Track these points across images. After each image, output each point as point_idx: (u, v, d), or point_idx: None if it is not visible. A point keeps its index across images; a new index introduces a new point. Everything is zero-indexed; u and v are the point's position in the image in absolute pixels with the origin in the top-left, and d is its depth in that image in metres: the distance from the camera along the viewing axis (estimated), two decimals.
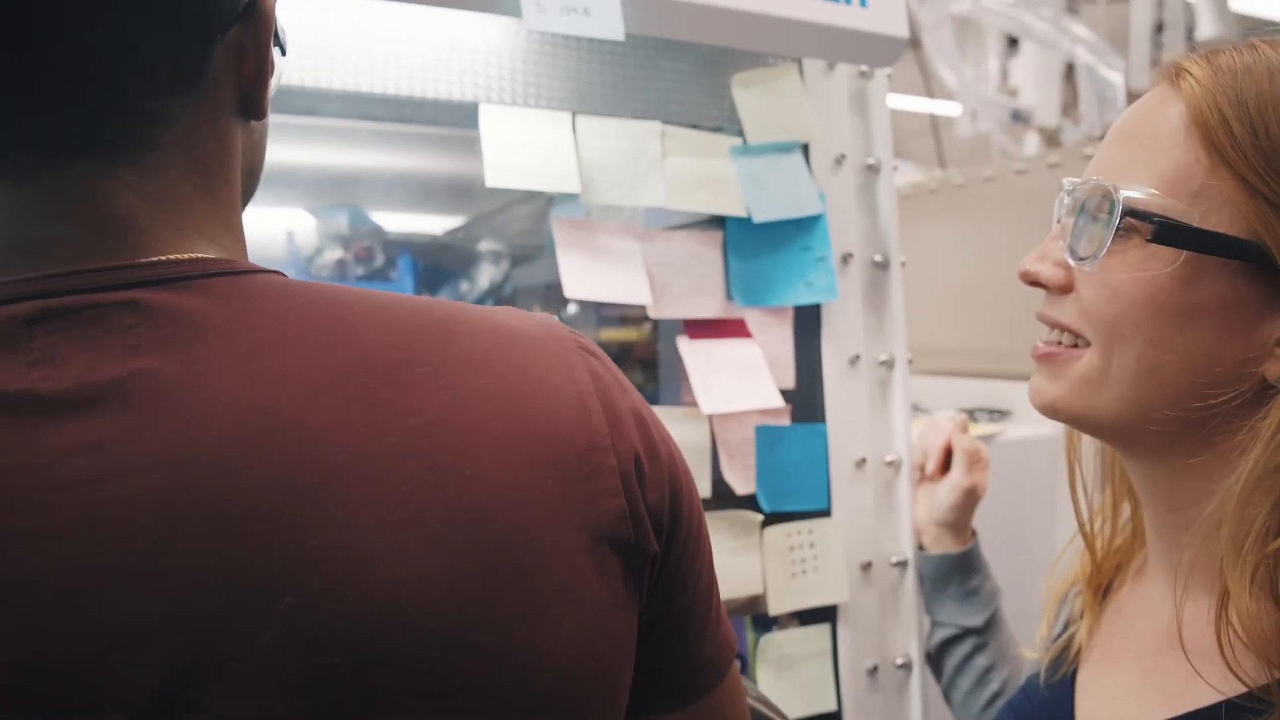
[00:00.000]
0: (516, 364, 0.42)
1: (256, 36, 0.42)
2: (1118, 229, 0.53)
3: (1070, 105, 2.99)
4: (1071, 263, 0.56)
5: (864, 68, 0.98)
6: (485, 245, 1.42)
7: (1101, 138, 1.43)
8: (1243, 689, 0.48)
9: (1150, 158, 0.54)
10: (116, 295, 0.37)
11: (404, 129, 1.16)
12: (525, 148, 0.80)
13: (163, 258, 0.39)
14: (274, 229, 1.39)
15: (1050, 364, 0.58)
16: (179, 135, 0.40)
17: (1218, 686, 0.50)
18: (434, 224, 1.53)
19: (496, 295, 1.39)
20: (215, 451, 0.35)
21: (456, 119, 1.10)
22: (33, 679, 0.32)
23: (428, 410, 0.39)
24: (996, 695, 0.87)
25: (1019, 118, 2.79)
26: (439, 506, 0.37)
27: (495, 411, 0.40)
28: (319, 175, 1.36)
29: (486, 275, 1.39)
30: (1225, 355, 0.50)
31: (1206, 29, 3.14)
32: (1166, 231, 0.51)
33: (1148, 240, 0.52)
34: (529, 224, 1.52)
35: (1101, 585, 0.64)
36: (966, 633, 0.89)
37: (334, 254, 1.41)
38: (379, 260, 1.37)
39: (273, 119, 0.49)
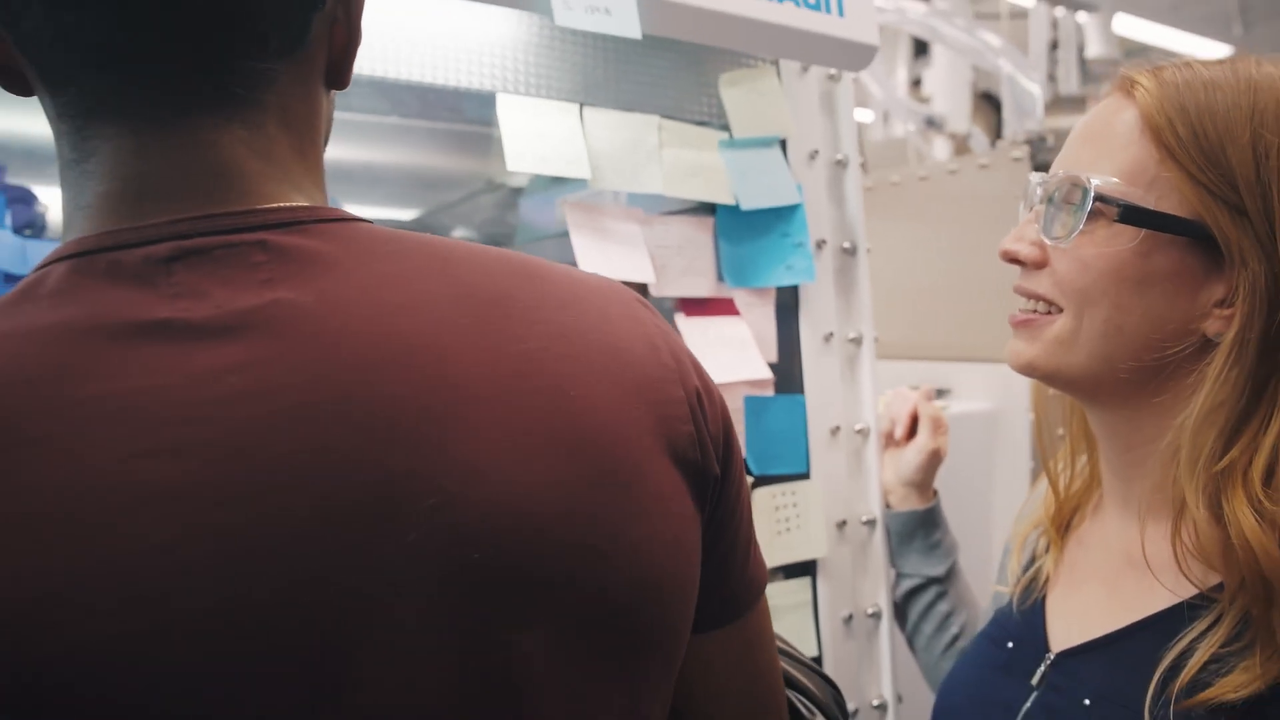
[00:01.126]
0: (595, 306, 0.48)
1: (349, 9, 0.46)
2: (1086, 215, 0.62)
3: (978, 112, 3.21)
4: (1048, 242, 0.66)
5: (833, 71, 1.07)
6: (457, 234, 1.45)
7: (1026, 142, 1.57)
8: (1194, 591, 0.59)
9: (1111, 154, 0.64)
10: (244, 236, 0.41)
11: (366, 119, 1.18)
12: (539, 135, 0.85)
13: (276, 204, 0.43)
14: None
15: (1028, 329, 0.67)
16: (278, 97, 0.44)
17: (1173, 590, 0.60)
18: (399, 214, 1.54)
19: None
20: (355, 371, 0.39)
21: (419, 110, 1.13)
22: (202, 570, 0.36)
23: (530, 340, 0.43)
24: (956, 637, 0.97)
25: (932, 124, 2.98)
26: (548, 423, 0.42)
27: (586, 343, 0.45)
28: None
29: None
30: (1175, 315, 0.61)
31: (1094, 48, 3.43)
32: (1130, 213, 0.61)
33: (1114, 221, 0.62)
34: (494, 213, 1.55)
35: (1063, 523, 0.74)
36: (930, 582, 0.99)
37: None
38: None
39: None
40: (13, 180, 1.12)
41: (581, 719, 0.43)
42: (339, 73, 0.48)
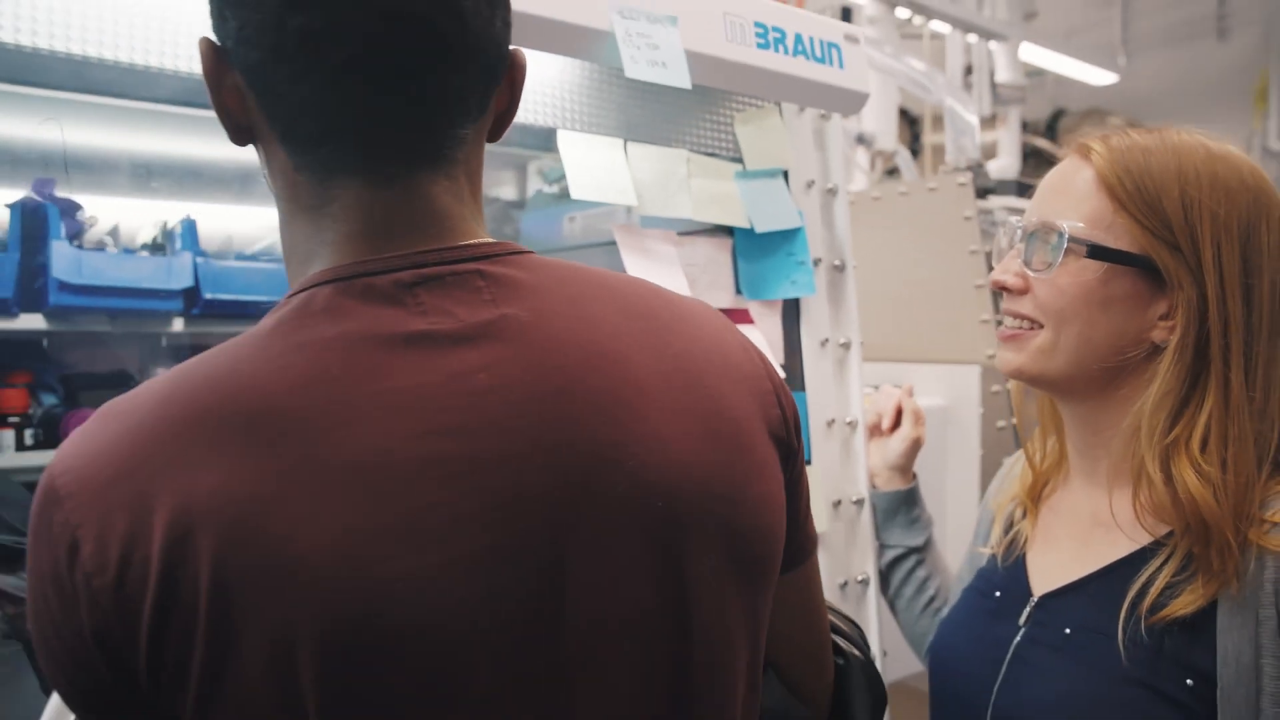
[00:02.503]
0: (704, 319, 0.62)
1: (514, 80, 0.59)
2: (1063, 253, 0.80)
3: (902, 133, 3.47)
4: (1029, 273, 0.83)
5: (823, 112, 1.23)
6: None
7: (968, 169, 1.78)
8: (1150, 539, 0.77)
9: (1076, 204, 0.81)
10: (464, 266, 0.52)
11: None
12: (594, 166, 0.98)
13: (475, 240, 0.55)
14: (256, 226, 1.44)
15: (1015, 342, 0.84)
16: (465, 154, 0.56)
17: (1132, 540, 0.78)
18: None
19: None
20: (565, 370, 0.52)
21: None
22: (471, 519, 0.47)
23: (675, 345, 0.57)
24: (932, 599, 1.15)
25: (863, 140, 3.21)
26: (694, 407, 0.56)
27: (706, 347, 0.59)
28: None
29: None
30: (1130, 328, 0.79)
31: (1002, 74, 3.75)
32: (1096, 251, 0.79)
33: (1083, 256, 0.79)
34: (491, 225, 1.65)
35: (1036, 494, 0.92)
36: (910, 551, 1.16)
37: None
38: None
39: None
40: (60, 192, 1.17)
41: (724, 626, 0.56)
42: (500, 129, 0.60)
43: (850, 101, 1.12)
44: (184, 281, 1.17)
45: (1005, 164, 3.40)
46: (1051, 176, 0.86)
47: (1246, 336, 0.75)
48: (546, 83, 0.97)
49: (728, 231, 1.13)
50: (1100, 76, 4.69)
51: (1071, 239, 0.79)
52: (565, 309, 0.54)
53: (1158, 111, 4.97)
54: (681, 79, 0.92)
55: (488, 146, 0.59)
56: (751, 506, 0.57)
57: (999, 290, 0.86)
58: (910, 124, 4.82)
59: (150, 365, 1.33)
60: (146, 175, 1.25)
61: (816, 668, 0.70)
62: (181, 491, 0.43)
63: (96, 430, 0.46)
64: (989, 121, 3.58)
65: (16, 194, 1.14)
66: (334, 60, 0.48)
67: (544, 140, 1.19)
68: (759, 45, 1.01)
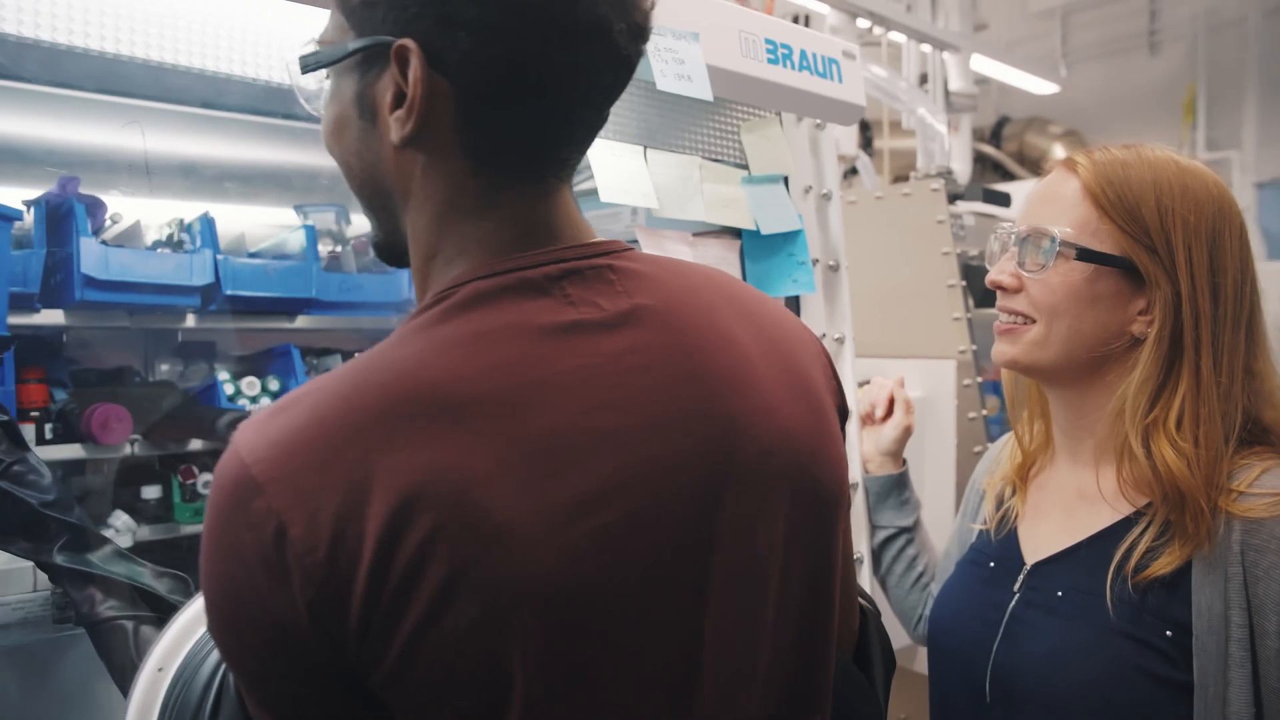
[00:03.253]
0: (773, 302, 0.70)
1: None
2: (1054, 256, 0.89)
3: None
4: (1024, 274, 0.92)
5: (819, 121, 1.31)
6: None
7: (939, 175, 1.88)
8: (1131, 509, 0.87)
9: (1064, 212, 0.91)
10: (596, 261, 0.59)
11: None
12: (620, 171, 1.04)
13: (594, 240, 0.62)
14: (271, 225, 1.47)
15: (1010, 335, 0.94)
16: (570, 170, 0.63)
17: (1115, 510, 0.88)
18: None
19: None
20: (696, 350, 0.59)
21: None
22: (638, 481, 0.54)
23: (764, 326, 0.65)
24: (921, 575, 1.24)
25: None
26: (788, 379, 0.64)
27: (784, 325, 0.67)
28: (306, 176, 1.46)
29: None
30: (1114, 322, 0.88)
31: (955, 82, 3.92)
32: (1084, 254, 0.88)
33: (1072, 259, 0.89)
34: None
35: (1025, 473, 1.01)
36: (901, 531, 1.25)
37: (327, 246, 1.51)
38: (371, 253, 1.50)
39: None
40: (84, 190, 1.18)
41: (824, 564, 0.65)
42: None
43: (848, 113, 1.21)
44: (205, 278, 1.20)
45: (958, 169, 3.56)
46: (1041, 188, 0.96)
47: (1214, 328, 0.85)
48: None
49: (736, 233, 1.20)
50: (1042, 86, 4.92)
51: (1062, 243, 0.89)
52: (685, 298, 0.61)
53: (1095, 120, 5.23)
54: (704, 91, 0.99)
55: None
56: (831, 463, 0.65)
57: (995, 288, 0.95)
58: (862, 129, 4.98)
59: (162, 361, 1.34)
60: (166, 173, 1.27)
61: (849, 611, 0.78)
62: (397, 470, 0.48)
63: (283, 422, 0.50)
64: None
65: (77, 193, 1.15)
66: (563, 94, 0.55)
67: None
68: (769, 60, 1.09)
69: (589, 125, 0.59)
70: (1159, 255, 0.87)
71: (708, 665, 0.57)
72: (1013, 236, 0.94)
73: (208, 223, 1.24)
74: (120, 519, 1.25)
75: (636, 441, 0.54)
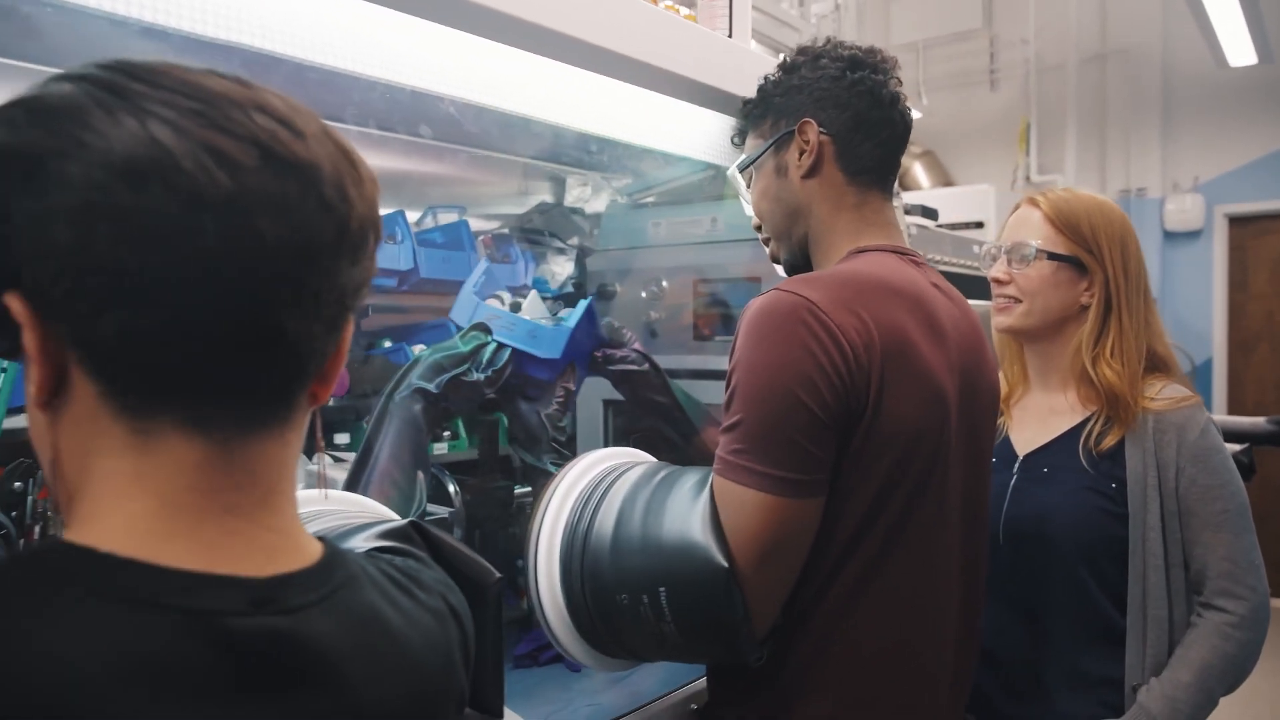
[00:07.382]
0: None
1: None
2: (1032, 259, 1.42)
3: None
4: (1012, 271, 1.44)
5: None
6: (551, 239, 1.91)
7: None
8: (1086, 414, 1.41)
9: (1034, 230, 1.44)
10: (912, 252, 1.15)
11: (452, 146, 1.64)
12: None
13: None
14: None
15: (1005, 311, 1.46)
16: (891, 186, 1.11)
17: (1075, 414, 1.41)
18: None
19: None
20: (965, 320, 1.11)
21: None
22: (953, 400, 0.98)
23: (963, 304, 1.14)
24: None
25: None
26: (960, 359, 1.09)
27: (964, 305, 1.16)
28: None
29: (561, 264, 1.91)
30: (1069, 297, 1.42)
31: None
32: (1050, 256, 1.41)
33: (1044, 260, 1.41)
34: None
35: (1009, 401, 1.54)
36: None
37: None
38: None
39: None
40: None
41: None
42: None
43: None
44: (407, 264, 1.52)
45: None
46: (1015, 218, 1.49)
47: (1129, 296, 1.40)
48: (715, 132, 1.46)
49: None
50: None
51: (1037, 250, 1.42)
52: (944, 284, 1.10)
53: (948, 143, 6.07)
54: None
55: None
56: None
57: (993, 281, 1.48)
58: None
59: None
60: None
61: None
62: (874, 318, 0.93)
63: (810, 287, 0.94)
64: None
65: None
66: (896, 134, 1.05)
67: (578, 158, 1.66)
68: None
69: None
70: (1094, 254, 1.41)
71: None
72: (1000, 249, 1.47)
73: (403, 218, 1.56)
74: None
75: (956, 353, 1.04)
